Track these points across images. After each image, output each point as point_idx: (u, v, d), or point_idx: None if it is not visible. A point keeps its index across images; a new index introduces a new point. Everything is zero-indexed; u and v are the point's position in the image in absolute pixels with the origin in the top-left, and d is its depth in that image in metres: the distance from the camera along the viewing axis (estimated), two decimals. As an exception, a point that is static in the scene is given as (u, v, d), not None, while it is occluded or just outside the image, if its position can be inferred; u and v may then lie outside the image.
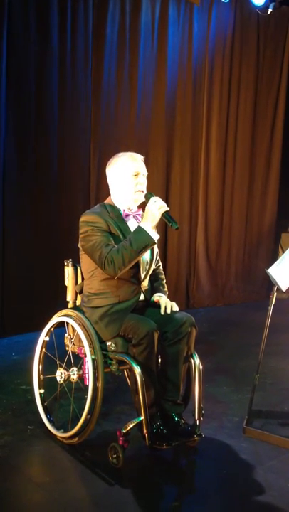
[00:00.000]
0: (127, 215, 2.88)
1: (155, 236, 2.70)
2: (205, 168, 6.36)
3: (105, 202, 2.94)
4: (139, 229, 2.69)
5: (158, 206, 2.70)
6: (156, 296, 2.94)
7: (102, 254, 2.71)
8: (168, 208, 2.74)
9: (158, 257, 3.10)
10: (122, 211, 2.88)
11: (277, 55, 6.68)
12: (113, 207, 2.89)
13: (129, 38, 5.46)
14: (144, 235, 2.67)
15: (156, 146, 5.83)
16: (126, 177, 2.85)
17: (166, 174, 5.97)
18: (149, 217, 2.70)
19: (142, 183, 2.86)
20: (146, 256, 2.90)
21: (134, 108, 5.58)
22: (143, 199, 2.86)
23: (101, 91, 5.30)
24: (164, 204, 2.72)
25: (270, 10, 6.42)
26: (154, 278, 3.05)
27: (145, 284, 2.95)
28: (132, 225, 2.86)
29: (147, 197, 2.78)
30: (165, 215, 2.72)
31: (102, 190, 4.88)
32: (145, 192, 2.85)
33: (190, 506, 2.42)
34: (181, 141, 6.06)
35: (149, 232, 2.68)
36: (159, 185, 5.86)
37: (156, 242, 2.72)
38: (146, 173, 2.91)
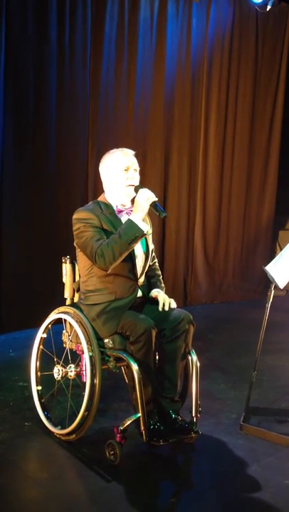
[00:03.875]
0: (120, 211, 2.88)
1: (145, 227, 2.70)
2: (203, 165, 6.35)
3: (99, 199, 2.94)
4: (129, 221, 2.70)
5: (146, 197, 2.71)
6: (155, 292, 2.95)
7: (92, 248, 2.72)
8: (156, 198, 2.74)
9: (154, 254, 3.10)
10: (115, 207, 2.88)
11: (276, 52, 6.66)
12: (106, 204, 2.89)
13: (128, 35, 5.45)
14: (134, 226, 2.67)
15: (155, 142, 5.82)
16: (117, 172, 2.86)
17: (164, 171, 5.96)
18: (138, 208, 2.71)
19: (133, 177, 2.86)
20: (141, 251, 2.90)
21: (132, 104, 5.57)
22: (134, 193, 2.86)
23: (99, 87, 5.29)
24: (152, 194, 2.73)
25: (269, 7, 6.40)
26: (151, 274, 3.06)
27: (142, 280, 2.95)
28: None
29: (136, 189, 2.79)
30: (153, 204, 2.72)
31: (100, 187, 4.86)
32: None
33: (187, 503, 2.42)
34: (180, 137, 6.05)
35: (138, 224, 2.67)
36: (157, 181, 5.85)
37: (145, 233, 2.71)
38: (137, 168, 2.91)
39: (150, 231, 3.02)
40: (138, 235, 2.67)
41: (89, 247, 2.75)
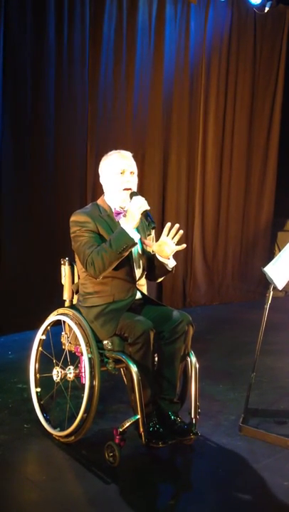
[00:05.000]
0: (118, 214, 2.86)
1: (136, 236, 2.69)
2: (202, 166, 6.35)
3: (98, 201, 2.94)
4: (120, 229, 2.68)
5: (138, 205, 2.68)
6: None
7: (84, 255, 2.72)
8: (148, 207, 2.70)
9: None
10: (113, 209, 2.87)
11: (274, 53, 6.67)
12: (105, 206, 2.88)
13: (126, 36, 5.45)
14: (124, 235, 2.65)
15: (153, 144, 5.81)
16: (112, 175, 2.85)
17: (162, 173, 5.96)
18: (129, 217, 2.69)
19: (129, 181, 2.83)
20: (139, 253, 2.89)
21: (131, 106, 5.58)
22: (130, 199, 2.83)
23: (98, 88, 5.29)
24: (144, 203, 2.69)
25: (267, 8, 6.41)
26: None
27: (141, 282, 2.95)
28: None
29: (131, 196, 2.76)
30: (145, 214, 2.69)
31: (99, 188, 4.86)
32: (134, 190, 2.83)
33: (186, 504, 2.42)
34: (178, 139, 6.05)
35: (129, 233, 2.65)
36: (155, 184, 5.85)
37: (136, 242, 2.69)
38: (134, 171, 2.88)
39: (152, 233, 3.02)
40: (128, 244, 2.65)
41: (81, 254, 2.74)
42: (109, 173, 2.87)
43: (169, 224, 2.75)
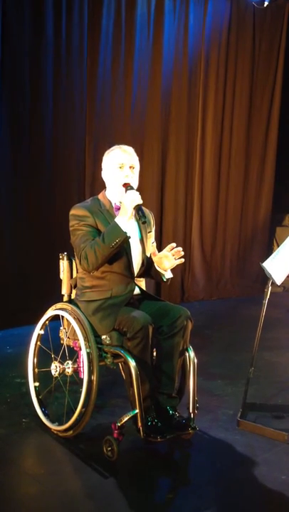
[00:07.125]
0: (119, 209, 2.84)
1: (129, 230, 2.69)
2: (200, 161, 6.34)
3: (99, 196, 2.93)
4: (113, 224, 2.69)
5: (130, 199, 2.69)
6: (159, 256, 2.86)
7: (79, 249, 2.73)
8: (140, 202, 2.71)
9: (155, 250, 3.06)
10: (113, 204, 2.87)
11: (273, 48, 6.65)
12: (105, 200, 2.88)
13: (125, 30, 5.43)
14: (116, 229, 2.66)
15: (152, 139, 5.81)
16: (112, 170, 2.85)
17: (161, 168, 5.95)
18: (122, 211, 2.70)
19: (127, 175, 2.83)
20: (137, 248, 2.89)
21: (129, 100, 5.56)
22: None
23: (96, 83, 5.28)
24: (137, 197, 2.70)
25: (266, 3, 6.39)
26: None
27: (140, 277, 2.94)
28: None
29: (126, 190, 2.76)
30: (137, 208, 2.69)
31: (98, 183, 4.86)
32: (133, 184, 2.82)
33: (184, 498, 2.43)
34: (177, 134, 6.04)
35: (121, 227, 2.66)
36: (154, 179, 5.85)
37: (129, 236, 2.70)
38: (135, 166, 2.87)
39: (152, 229, 3.01)
40: (121, 238, 2.65)
41: (77, 248, 2.76)
42: (109, 168, 2.87)
43: (173, 244, 2.79)
